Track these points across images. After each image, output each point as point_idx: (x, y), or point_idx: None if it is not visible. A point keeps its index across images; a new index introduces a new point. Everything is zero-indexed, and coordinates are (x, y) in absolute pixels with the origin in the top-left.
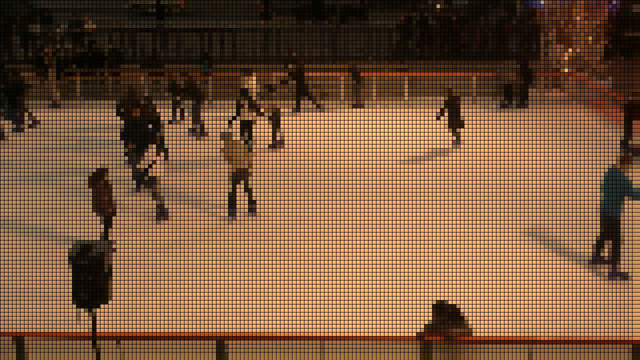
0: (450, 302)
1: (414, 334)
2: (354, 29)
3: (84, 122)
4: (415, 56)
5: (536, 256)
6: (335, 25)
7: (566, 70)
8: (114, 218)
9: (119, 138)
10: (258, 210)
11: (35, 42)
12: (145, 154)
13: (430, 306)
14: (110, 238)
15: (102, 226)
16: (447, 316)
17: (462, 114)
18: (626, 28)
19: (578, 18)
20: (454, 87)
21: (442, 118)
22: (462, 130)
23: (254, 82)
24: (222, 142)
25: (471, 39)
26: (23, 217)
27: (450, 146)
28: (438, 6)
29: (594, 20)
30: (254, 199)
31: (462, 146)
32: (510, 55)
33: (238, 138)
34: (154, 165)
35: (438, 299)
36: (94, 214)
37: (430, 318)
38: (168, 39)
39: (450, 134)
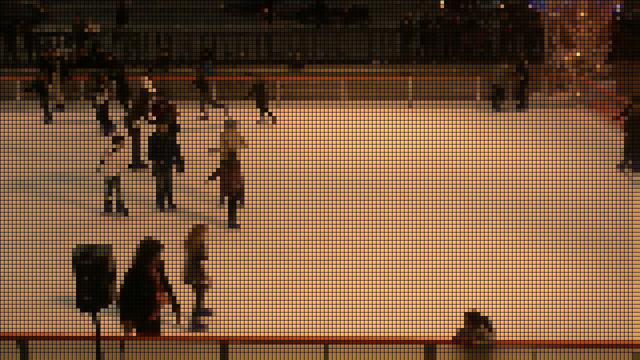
0: (480, 312)
1: (417, 337)
2: (357, 30)
3: (87, 123)
4: (418, 59)
5: (536, 257)
6: (339, 27)
7: (569, 72)
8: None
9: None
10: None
11: (39, 43)
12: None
13: (455, 312)
14: (237, 222)
15: (227, 207)
16: (478, 324)
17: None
18: (630, 30)
19: (582, 20)
20: (453, 90)
21: (250, 98)
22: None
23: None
24: (224, 127)
25: (473, 41)
26: (26, 219)
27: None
28: (442, 6)
29: (597, 22)
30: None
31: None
32: (512, 58)
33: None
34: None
35: (470, 309)
36: (224, 194)
37: (463, 325)
38: (172, 41)
39: (259, 112)
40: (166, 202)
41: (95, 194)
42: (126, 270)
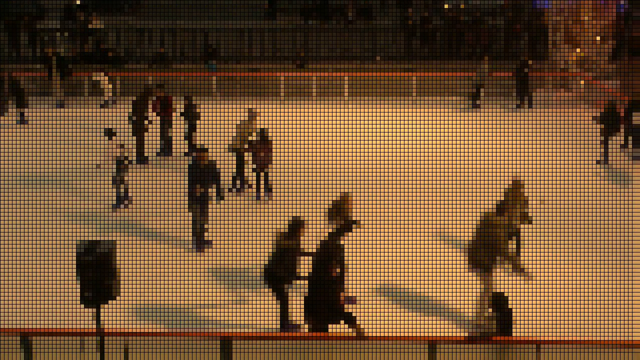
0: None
1: (419, 335)
2: (360, 29)
3: (89, 121)
4: (420, 57)
5: (536, 256)
6: (342, 25)
7: (573, 71)
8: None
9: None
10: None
11: (43, 40)
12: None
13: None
14: (270, 188)
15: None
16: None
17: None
18: (634, 29)
19: (586, 19)
20: (456, 87)
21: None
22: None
23: (106, 81)
24: (248, 117)
25: (477, 39)
26: (29, 216)
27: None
28: (446, 6)
29: (601, 20)
30: (243, 180)
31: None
32: (517, 55)
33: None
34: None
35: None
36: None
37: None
38: (176, 38)
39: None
40: (204, 245)
41: (95, 191)
42: (310, 271)
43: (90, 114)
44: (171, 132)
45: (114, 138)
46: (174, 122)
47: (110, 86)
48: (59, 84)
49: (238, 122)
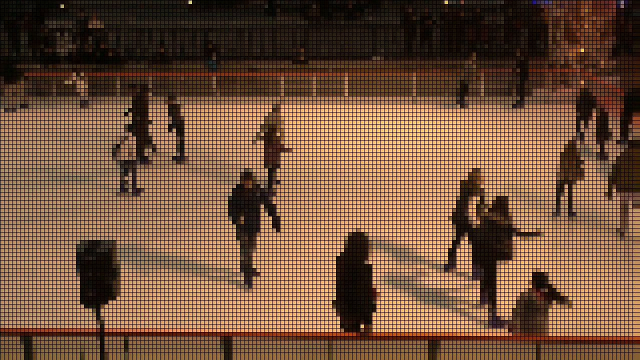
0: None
1: (420, 333)
2: (361, 26)
3: (88, 119)
4: (422, 54)
5: (536, 256)
6: (342, 22)
7: (573, 67)
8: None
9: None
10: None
11: (43, 40)
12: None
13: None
14: (274, 185)
15: (267, 175)
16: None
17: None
18: (634, 25)
19: (585, 15)
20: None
21: None
22: None
23: (81, 81)
24: (273, 112)
25: (477, 36)
26: (31, 215)
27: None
28: (446, 2)
29: (601, 17)
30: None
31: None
32: (516, 52)
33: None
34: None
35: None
36: (264, 165)
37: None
38: (176, 37)
39: None
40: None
41: (95, 190)
42: (341, 267)
43: (61, 115)
44: (150, 130)
45: (127, 133)
46: (155, 121)
47: (86, 86)
48: (10, 87)
49: (265, 116)
